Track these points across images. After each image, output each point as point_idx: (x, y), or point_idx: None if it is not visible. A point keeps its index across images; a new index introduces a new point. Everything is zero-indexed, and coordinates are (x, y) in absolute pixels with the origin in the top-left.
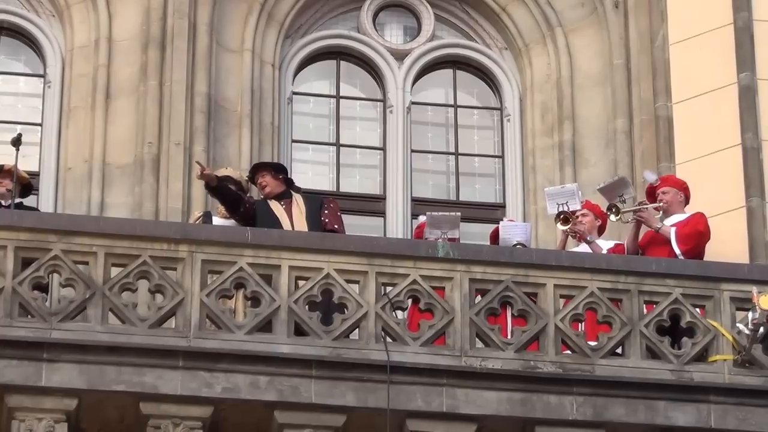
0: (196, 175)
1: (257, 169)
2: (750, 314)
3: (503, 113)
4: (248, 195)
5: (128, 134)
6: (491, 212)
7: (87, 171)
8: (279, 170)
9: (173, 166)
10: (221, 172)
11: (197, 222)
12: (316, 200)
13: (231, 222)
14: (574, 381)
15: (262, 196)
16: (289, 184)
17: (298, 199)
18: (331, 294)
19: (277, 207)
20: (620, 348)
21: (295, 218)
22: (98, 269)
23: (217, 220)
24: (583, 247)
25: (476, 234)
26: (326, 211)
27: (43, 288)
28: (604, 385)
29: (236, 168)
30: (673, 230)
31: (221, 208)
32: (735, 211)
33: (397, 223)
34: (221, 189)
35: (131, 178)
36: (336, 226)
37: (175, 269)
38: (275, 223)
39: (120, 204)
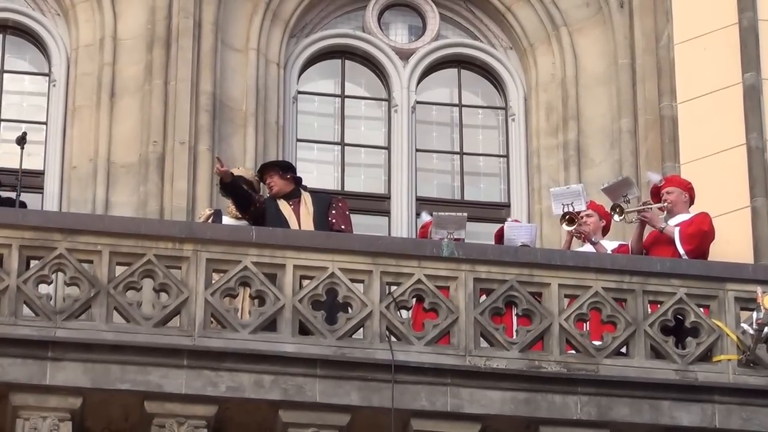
0: (215, 171)
1: (265, 169)
2: (754, 314)
3: (508, 113)
4: (259, 194)
5: (133, 133)
6: (496, 212)
7: (92, 170)
8: (287, 169)
9: (178, 165)
10: (233, 172)
11: (209, 220)
12: (324, 199)
13: (241, 222)
14: (578, 381)
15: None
16: (298, 182)
17: (306, 199)
18: (335, 293)
19: (285, 206)
20: (625, 348)
21: (302, 218)
22: (103, 268)
23: (227, 220)
24: (588, 248)
25: (481, 233)
26: (334, 211)
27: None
28: (609, 385)
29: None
30: (677, 230)
31: (232, 208)
32: (739, 210)
33: (401, 223)
34: (234, 186)
35: (136, 176)
36: (343, 227)
37: (179, 268)
38: (283, 222)
39: (125, 203)
